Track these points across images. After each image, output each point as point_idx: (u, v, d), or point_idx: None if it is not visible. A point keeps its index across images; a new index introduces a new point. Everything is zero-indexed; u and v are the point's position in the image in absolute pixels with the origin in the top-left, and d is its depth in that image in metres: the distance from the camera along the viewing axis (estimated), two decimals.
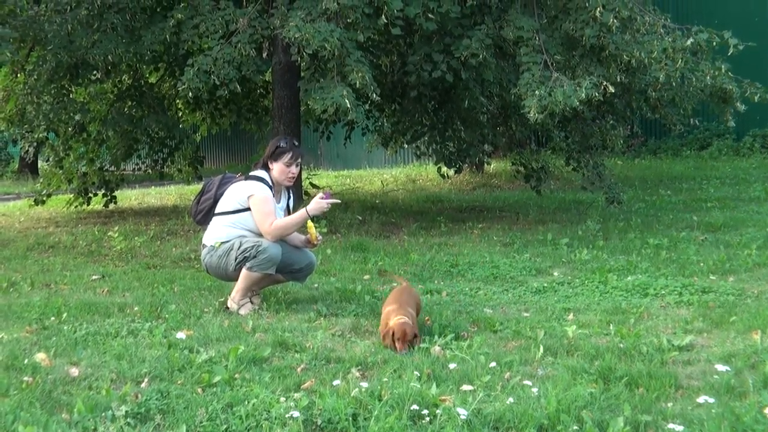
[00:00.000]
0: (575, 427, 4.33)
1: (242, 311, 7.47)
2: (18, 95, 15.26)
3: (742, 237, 10.86)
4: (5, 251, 11.94)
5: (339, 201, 7.65)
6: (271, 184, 7.61)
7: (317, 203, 7.45)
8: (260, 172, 7.66)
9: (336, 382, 5.14)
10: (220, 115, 18.15)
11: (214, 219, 7.74)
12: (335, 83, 10.83)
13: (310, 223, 7.53)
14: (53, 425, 4.49)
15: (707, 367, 5.46)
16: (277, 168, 7.60)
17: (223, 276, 7.77)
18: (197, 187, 19.35)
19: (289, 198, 7.94)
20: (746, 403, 4.63)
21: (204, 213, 7.87)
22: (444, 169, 15.59)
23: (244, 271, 7.47)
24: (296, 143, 7.77)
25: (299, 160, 7.71)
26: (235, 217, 7.59)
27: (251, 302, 7.64)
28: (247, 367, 5.57)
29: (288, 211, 7.87)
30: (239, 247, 7.45)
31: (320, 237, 7.72)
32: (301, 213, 7.48)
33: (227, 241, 7.56)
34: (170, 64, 15.96)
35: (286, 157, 7.57)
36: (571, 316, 7.13)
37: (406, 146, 17.88)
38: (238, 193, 7.61)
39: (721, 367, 5.31)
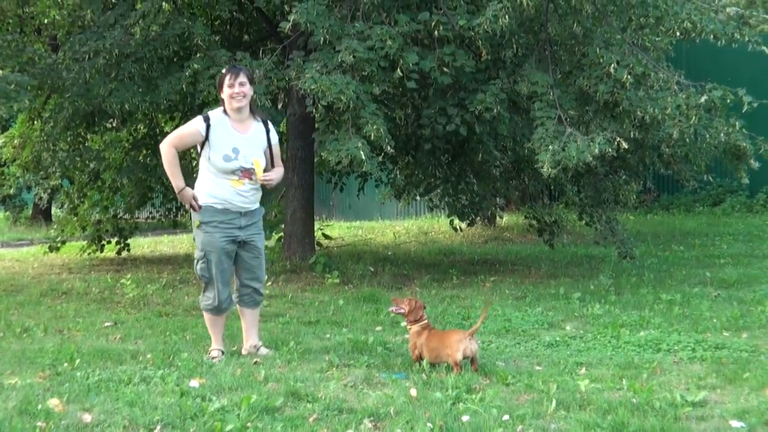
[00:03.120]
0: None
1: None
2: (34, 142, 15.40)
3: (756, 293, 10.84)
4: (19, 297, 11.98)
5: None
6: (221, 115, 7.65)
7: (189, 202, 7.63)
8: (215, 110, 7.78)
9: None
10: None
11: None
12: (350, 135, 10.88)
13: (257, 162, 7.62)
14: None
15: (721, 423, 5.45)
16: (225, 95, 7.62)
17: None
18: None
19: (268, 132, 7.90)
20: None
21: None
22: (456, 221, 15.62)
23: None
24: (236, 65, 7.67)
25: (240, 78, 7.60)
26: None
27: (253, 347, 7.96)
28: (260, 416, 5.57)
29: (270, 148, 7.86)
30: (196, 262, 7.79)
31: (265, 176, 7.69)
32: (180, 187, 7.59)
33: (197, 227, 7.66)
34: (186, 113, 16.06)
35: (225, 80, 7.59)
36: (583, 371, 7.11)
37: (418, 198, 17.94)
38: None
39: (735, 423, 5.30)
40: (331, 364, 7.32)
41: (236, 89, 7.55)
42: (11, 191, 19.17)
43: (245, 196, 7.71)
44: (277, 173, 7.93)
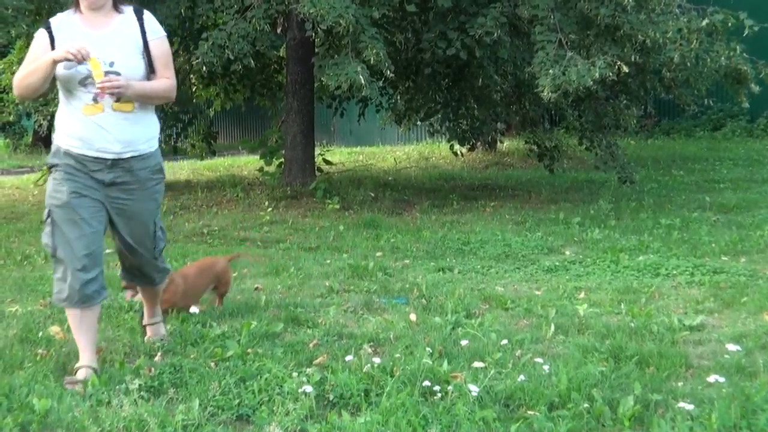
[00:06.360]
0: (585, 405, 4.34)
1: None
2: None
3: (755, 218, 10.85)
4: (19, 224, 11.99)
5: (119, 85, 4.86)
6: (68, 15, 5.15)
7: (65, 50, 4.81)
8: (64, 12, 5.25)
9: (348, 358, 5.14)
10: (234, 90, 18.15)
11: None
12: (349, 59, 10.82)
13: (94, 60, 4.85)
14: (67, 398, 4.52)
15: (718, 347, 5.47)
16: None
17: None
18: (210, 162, 19.44)
19: (143, 25, 5.15)
20: (757, 383, 4.64)
21: None
22: (457, 146, 15.60)
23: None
24: None
25: None
26: None
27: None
28: (260, 342, 5.59)
29: (146, 44, 5.09)
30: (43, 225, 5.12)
31: (106, 79, 4.83)
32: (44, 59, 4.93)
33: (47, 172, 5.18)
34: (185, 38, 15.93)
35: None
36: (582, 295, 7.14)
37: (419, 123, 17.89)
38: None
39: (732, 347, 5.31)
40: (331, 289, 7.35)
41: None
42: (11, 118, 19.04)
43: (108, 131, 4.96)
44: (158, 85, 5.15)
